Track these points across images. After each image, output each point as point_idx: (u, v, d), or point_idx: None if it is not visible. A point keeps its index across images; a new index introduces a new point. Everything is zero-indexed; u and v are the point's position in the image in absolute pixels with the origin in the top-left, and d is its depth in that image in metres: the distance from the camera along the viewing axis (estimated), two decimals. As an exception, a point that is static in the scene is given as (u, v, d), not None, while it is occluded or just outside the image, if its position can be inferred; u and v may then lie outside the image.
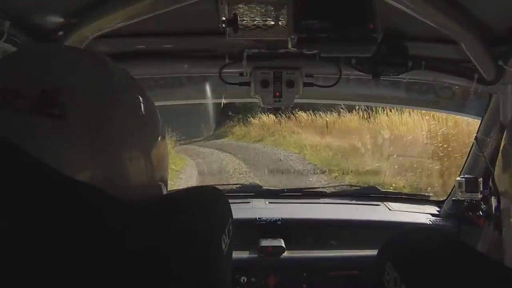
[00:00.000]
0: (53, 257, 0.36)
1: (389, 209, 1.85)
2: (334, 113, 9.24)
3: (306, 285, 1.55)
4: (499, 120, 1.41)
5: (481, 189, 1.48)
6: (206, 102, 1.82)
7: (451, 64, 1.38)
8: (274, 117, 10.24)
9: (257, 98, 1.43)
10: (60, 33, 1.13)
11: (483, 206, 1.47)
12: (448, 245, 0.52)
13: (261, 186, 2.10)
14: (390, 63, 1.33)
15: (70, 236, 0.37)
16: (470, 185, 1.49)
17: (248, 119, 11.06)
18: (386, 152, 6.89)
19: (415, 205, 1.91)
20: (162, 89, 1.55)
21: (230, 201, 0.56)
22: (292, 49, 1.02)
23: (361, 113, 8.49)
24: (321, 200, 1.95)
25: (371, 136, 7.73)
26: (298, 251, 1.60)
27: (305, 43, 1.00)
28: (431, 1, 1.07)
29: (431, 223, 1.74)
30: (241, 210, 1.74)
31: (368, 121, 8.45)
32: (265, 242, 1.57)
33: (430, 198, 2.03)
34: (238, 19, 1.11)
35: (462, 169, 1.68)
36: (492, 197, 0.59)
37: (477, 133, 1.55)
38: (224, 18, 1.11)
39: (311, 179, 6.52)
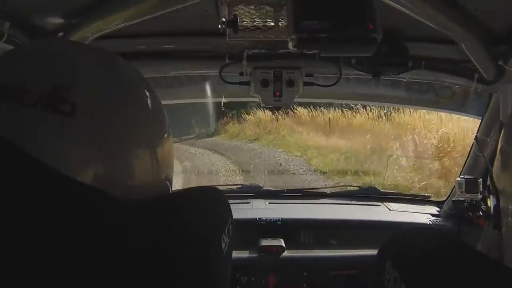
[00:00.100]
0: (52, 258, 0.36)
1: (389, 210, 1.85)
2: (337, 110, 8.39)
3: (306, 285, 1.55)
4: (499, 120, 1.41)
5: (481, 190, 1.48)
6: (206, 101, 1.82)
7: (451, 64, 1.38)
8: (271, 113, 9.24)
9: (257, 97, 1.44)
10: (60, 33, 1.13)
11: (483, 207, 1.47)
12: (448, 245, 0.52)
13: (261, 187, 2.10)
14: (390, 63, 1.33)
15: (70, 237, 0.37)
16: (470, 185, 1.49)
17: (243, 115, 10.01)
18: (424, 157, 5.94)
19: (415, 206, 1.91)
20: (162, 89, 1.55)
21: (230, 201, 0.56)
22: (292, 49, 1.03)
23: (374, 111, 7.65)
24: (321, 201, 1.95)
25: (387, 136, 6.84)
26: (298, 251, 1.60)
27: (305, 43, 1.00)
28: (430, 1, 1.07)
29: (431, 223, 1.75)
30: (241, 210, 1.74)
31: (379, 119, 7.61)
32: (265, 242, 1.57)
33: (430, 199, 2.03)
34: (238, 20, 1.11)
35: (462, 169, 1.68)
36: (491, 196, 0.59)
37: (477, 133, 1.55)
38: (224, 19, 1.11)
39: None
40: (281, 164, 7.34)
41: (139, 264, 0.38)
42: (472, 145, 1.62)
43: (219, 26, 1.12)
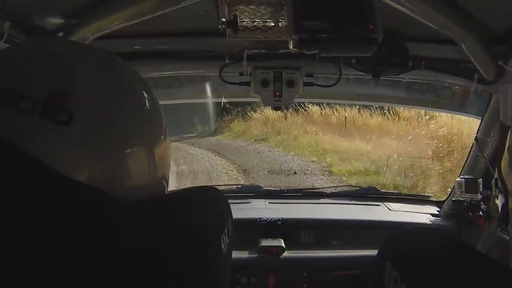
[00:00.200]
0: (52, 258, 0.36)
1: (389, 209, 1.85)
2: (353, 108, 7.31)
3: (306, 285, 1.55)
4: (499, 120, 1.41)
5: (481, 190, 1.48)
6: (206, 101, 1.82)
7: (451, 64, 1.38)
8: (280, 111, 7.97)
9: (257, 97, 1.44)
10: (60, 34, 1.13)
11: (483, 206, 1.47)
12: (448, 245, 0.52)
13: (261, 187, 2.10)
14: (390, 63, 1.33)
15: (69, 237, 0.37)
16: (470, 185, 1.49)
17: (249, 113, 9.20)
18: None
19: (415, 205, 1.91)
20: (162, 89, 1.55)
21: (230, 201, 0.56)
22: (292, 49, 1.02)
23: (405, 112, 6.54)
24: (321, 200, 1.96)
25: (419, 142, 5.76)
26: (298, 251, 1.60)
27: (306, 44, 1.00)
28: (430, 1, 1.07)
29: (431, 223, 1.75)
30: (241, 210, 1.74)
31: (415, 120, 6.48)
32: (265, 242, 1.57)
33: (430, 199, 2.03)
34: (238, 20, 1.11)
35: (462, 169, 1.68)
36: (499, 195, 0.59)
37: (477, 133, 1.56)
38: (224, 20, 1.11)
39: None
40: (295, 172, 6.08)
41: (136, 264, 0.38)
42: (472, 145, 1.62)
43: (219, 26, 1.12)
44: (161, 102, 0.54)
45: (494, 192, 1.33)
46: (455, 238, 0.57)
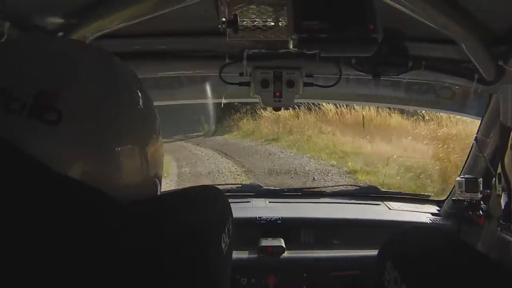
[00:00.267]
0: (52, 257, 0.36)
1: (389, 209, 1.85)
2: (371, 107, 6.52)
3: (306, 286, 1.55)
4: (499, 120, 1.41)
5: (481, 189, 1.48)
6: (206, 102, 1.82)
7: (451, 64, 1.38)
8: (291, 109, 7.56)
9: (257, 98, 1.43)
10: (60, 33, 1.13)
11: (483, 206, 1.47)
12: (448, 244, 0.52)
13: (261, 186, 2.10)
14: (390, 63, 1.33)
15: (69, 237, 0.37)
16: (470, 185, 1.49)
17: (258, 111, 8.62)
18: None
19: (415, 205, 1.91)
20: (162, 89, 1.55)
21: (230, 200, 0.56)
22: (292, 49, 1.02)
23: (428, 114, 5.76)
24: (321, 200, 1.95)
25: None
26: (298, 251, 1.60)
27: (306, 43, 1.00)
28: (430, 1, 1.07)
29: (431, 222, 1.75)
30: (241, 210, 1.74)
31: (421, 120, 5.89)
32: (265, 242, 1.57)
33: (430, 198, 2.03)
34: (238, 20, 1.11)
35: (462, 169, 1.68)
36: (503, 193, 0.59)
37: (477, 133, 1.56)
38: (224, 19, 1.11)
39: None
40: (314, 178, 5.24)
41: (134, 264, 0.38)
42: (472, 145, 1.62)
43: (219, 26, 1.12)
44: (161, 103, 0.54)
45: (497, 191, 1.33)
46: (455, 237, 0.57)
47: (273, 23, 1.18)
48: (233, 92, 1.53)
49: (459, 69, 1.38)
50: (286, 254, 1.57)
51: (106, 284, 0.36)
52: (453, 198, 1.59)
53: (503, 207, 0.60)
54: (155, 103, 0.54)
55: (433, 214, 1.81)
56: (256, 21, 1.16)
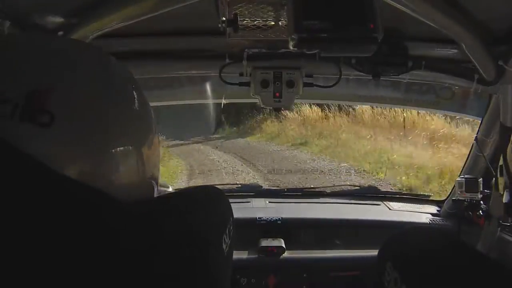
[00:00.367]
0: (52, 257, 0.36)
1: (389, 209, 1.85)
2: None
3: (307, 286, 1.55)
4: (499, 121, 1.41)
5: (481, 189, 1.48)
6: (206, 102, 1.82)
7: (451, 64, 1.38)
8: (320, 110, 6.80)
9: (257, 98, 1.43)
10: (60, 33, 1.13)
11: (483, 206, 1.47)
12: (448, 245, 0.52)
13: (261, 186, 2.10)
14: (390, 63, 1.33)
15: (69, 237, 0.37)
16: (470, 185, 1.49)
17: (283, 112, 7.08)
18: None
19: (415, 205, 1.91)
20: (162, 90, 1.55)
21: (230, 200, 0.56)
22: (292, 49, 1.02)
23: None
24: (321, 200, 1.95)
25: None
26: (298, 251, 1.60)
27: (306, 43, 1.00)
28: (430, 1, 1.07)
29: (431, 222, 1.75)
30: (241, 210, 1.74)
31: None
32: (265, 242, 1.57)
33: (430, 198, 2.03)
34: (238, 19, 1.11)
35: (462, 169, 1.68)
36: (505, 192, 0.59)
37: (477, 133, 1.56)
38: (224, 18, 1.11)
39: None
40: None
41: (136, 264, 0.38)
42: (472, 145, 1.62)
43: (219, 25, 1.12)
44: (161, 103, 0.53)
45: (500, 191, 1.34)
46: (455, 237, 0.57)
47: (273, 23, 1.18)
48: (233, 92, 1.53)
49: (459, 69, 1.38)
50: (286, 254, 1.57)
51: (106, 284, 0.36)
52: (453, 198, 1.59)
53: (504, 207, 0.59)
54: (155, 104, 0.54)
55: (433, 214, 1.81)
56: (256, 20, 1.16)
